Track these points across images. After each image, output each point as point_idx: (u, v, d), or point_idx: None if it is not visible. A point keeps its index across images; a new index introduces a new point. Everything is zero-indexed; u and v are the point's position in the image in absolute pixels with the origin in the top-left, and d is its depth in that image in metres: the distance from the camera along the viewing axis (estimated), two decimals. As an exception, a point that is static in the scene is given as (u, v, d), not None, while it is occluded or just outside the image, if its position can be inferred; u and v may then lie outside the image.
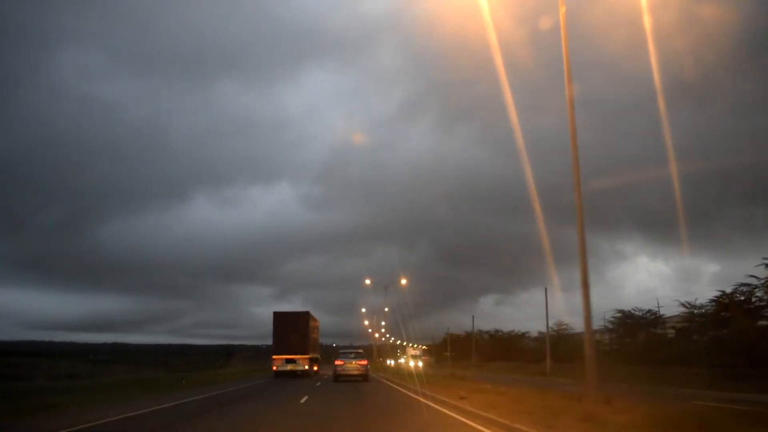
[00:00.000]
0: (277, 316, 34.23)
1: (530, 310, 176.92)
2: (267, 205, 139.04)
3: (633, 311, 45.19)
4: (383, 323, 78.34)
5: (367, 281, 44.14)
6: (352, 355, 30.90)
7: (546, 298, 42.87)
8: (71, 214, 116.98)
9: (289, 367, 32.81)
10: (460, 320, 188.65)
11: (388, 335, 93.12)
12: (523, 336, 78.93)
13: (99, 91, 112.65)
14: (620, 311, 46.05)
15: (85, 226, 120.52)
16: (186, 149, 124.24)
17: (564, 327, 62.99)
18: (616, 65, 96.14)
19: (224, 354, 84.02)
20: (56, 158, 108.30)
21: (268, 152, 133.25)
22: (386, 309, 63.01)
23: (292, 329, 33.03)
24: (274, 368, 32.89)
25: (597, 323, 60.72)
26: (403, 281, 44.35)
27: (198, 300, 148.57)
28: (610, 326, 48.98)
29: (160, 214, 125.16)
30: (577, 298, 12.07)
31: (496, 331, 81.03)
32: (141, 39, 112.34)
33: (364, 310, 78.45)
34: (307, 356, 33.32)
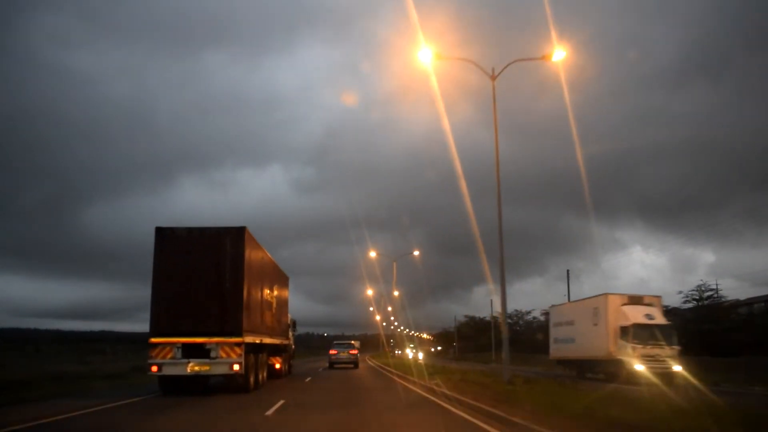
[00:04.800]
0: (164, 239, 14.66)
1: (525, 300, 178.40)
2: (257, 189, 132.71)
3: None
4: (396, 293, 61.31)
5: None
6: (345, 345, 36.69)
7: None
8: (51, 195, 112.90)
9: (191, 366, 14.12)
10: (453, 310, 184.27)
11: (393, 318, 78.90)
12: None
13: (76, 62, 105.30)
14: None
15: (67, 209, 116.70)
16: (171, 127, 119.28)
17: (711, 292, 40.13)
18: (626, 39, 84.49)
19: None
20: (32, 135, 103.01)
21: (259, 132, 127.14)
22: (412, 253, 47.98)
23: (201, 271, 14.52)
24: (154, 368, 14.17)
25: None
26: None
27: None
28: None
29: (146, 197, 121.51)
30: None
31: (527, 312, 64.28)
32: (121, 5, 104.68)
33: (371, 260, 58.76)
34: (237, 339, 14.31)
